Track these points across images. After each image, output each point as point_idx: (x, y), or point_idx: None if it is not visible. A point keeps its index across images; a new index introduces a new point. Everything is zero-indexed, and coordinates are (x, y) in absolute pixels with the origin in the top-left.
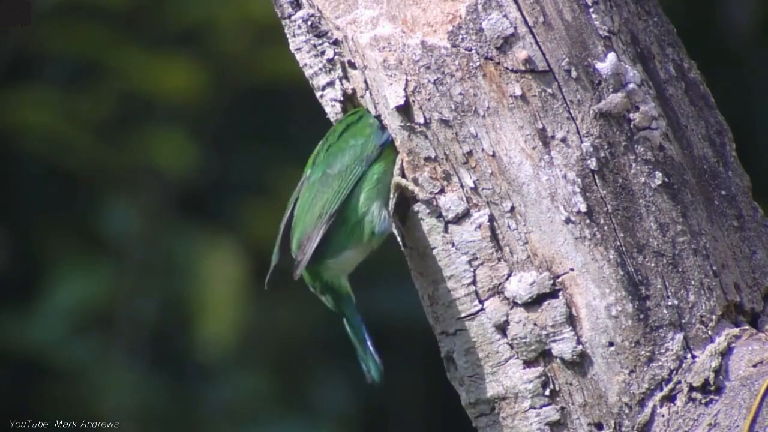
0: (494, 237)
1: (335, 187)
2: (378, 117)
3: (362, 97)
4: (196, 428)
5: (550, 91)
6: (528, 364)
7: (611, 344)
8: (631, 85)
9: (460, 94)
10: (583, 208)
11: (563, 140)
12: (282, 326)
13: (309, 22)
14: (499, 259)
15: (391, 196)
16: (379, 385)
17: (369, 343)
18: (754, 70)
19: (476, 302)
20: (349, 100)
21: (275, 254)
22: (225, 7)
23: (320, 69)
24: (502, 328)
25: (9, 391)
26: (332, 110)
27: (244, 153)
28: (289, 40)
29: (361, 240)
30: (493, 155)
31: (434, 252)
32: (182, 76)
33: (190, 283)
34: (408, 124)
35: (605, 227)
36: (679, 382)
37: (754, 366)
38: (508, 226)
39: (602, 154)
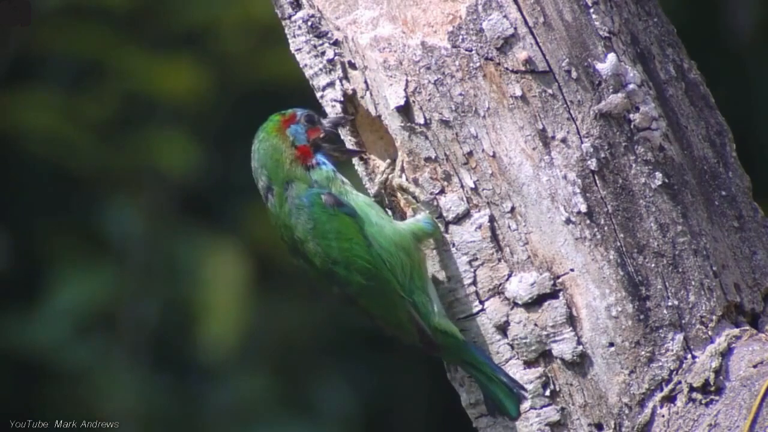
0: (494, 237)
1: (378, 273)
2: (378, 117)
3: (362, 97)
4: (199, 430)
5: (550, 91)
6: (528, 364)
7: (611, 345)
8: (631, 86)
9: (461, 94)
10: (583, 208)
11: (563, 141)
12: (284, 327)
13: (309, 23)
14: (499, 260)
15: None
16: (516, 418)
17: (502, 375)
18: (756, 71)
19: (477, 302)
20: (350, 101)
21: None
22: (227, 8)
23: (320, 69)
24: (502, 329)
25: (12, 393)
26: (333, 111)
27: (246, 154)
28: (290, 41)
29: (424, 266)
30: (494, 156)
31: (435, 252)
32: (184, 77)
33: (192, 284)
34: (408, 124)
35: (605, 228)
36: (680, 382)
37: (755, 366)
38: (509, 227)
39: (602, 155)
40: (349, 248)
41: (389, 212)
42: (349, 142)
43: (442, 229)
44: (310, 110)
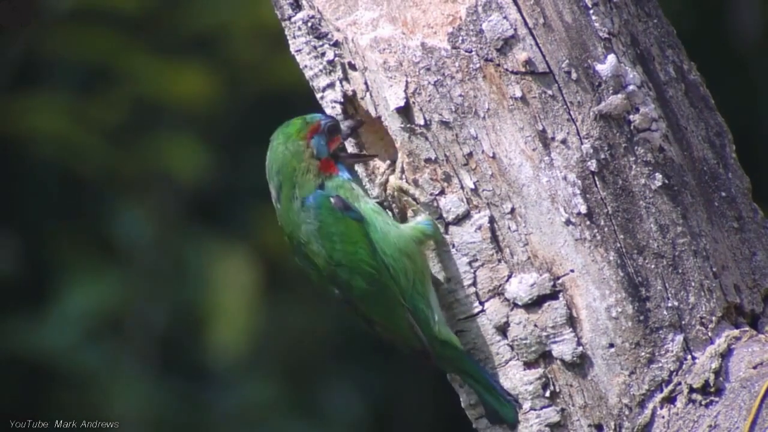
0: (494, 238)
1: (385, 276)
2: (378, 118)
3: (362, 98)
4: None
5: (550, 92)
6: (528, 365)
7: (611, 345)
8: (631, 87)
9: (461, 95)
10: (583, 209)
11: (563, 142)
12: (292, 332)
13: (309, 24)
14: (499, 261)
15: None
16: (514, 425)
17: (497, 386)
18: (760, 72)
19: (477, 303)
20: (350, 102)
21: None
22: (237, 13)
23: (320, 70)
24: (502, 330)
25: (20, 397)
26: (333, 112)
27: (255, 159)
28: (290, 42)
29: (427, 272)
30: (494, 157)
31: (435, 253)
32: (194, 82)
33: (201, 288)
34: (408, 125)
35: (605, 229)
36: (679, 383)
37: (754, 367)
38: (509, 228)
39: (602, 156)
40: (353, 252)
41: (390, 213)
42: (350, 144)
43: (442, 230)
44: (332, 119)
